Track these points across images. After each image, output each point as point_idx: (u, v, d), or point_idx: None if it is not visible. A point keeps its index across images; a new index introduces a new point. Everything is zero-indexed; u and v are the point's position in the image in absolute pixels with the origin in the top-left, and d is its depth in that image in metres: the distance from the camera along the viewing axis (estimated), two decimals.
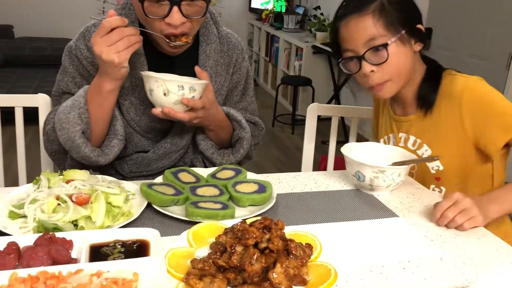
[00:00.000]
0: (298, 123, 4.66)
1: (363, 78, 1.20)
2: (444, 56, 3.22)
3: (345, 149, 1.18)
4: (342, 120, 4.07)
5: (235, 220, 0.95)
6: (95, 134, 1.22)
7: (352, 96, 4.57)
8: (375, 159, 1.19)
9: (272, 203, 1.03)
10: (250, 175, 1.16)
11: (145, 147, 1.38)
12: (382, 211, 1.08)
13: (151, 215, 1.00)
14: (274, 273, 0.75)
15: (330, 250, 0.88)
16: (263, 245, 0.79)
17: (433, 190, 1.28)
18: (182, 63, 1.33)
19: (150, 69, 1.27)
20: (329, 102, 4.65)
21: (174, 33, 1.16)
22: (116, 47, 1.06)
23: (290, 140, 4.39)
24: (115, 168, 1.40)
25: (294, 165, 3.75)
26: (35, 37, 5.44)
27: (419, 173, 1.29)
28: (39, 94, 1.44)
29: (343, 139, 3.90)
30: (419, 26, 1.18)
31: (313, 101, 4.65)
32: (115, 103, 1.21)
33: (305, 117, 4.87)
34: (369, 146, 1.25)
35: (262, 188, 1.06)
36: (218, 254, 0.80)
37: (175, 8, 1.11)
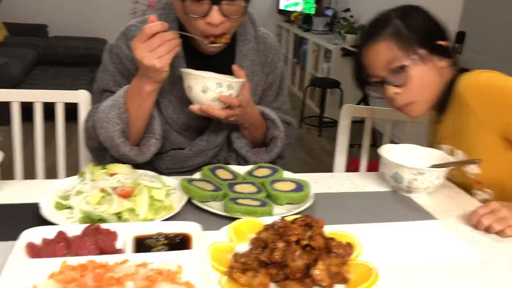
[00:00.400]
0: (326, 125, 4.64)
1: (390, 101, 1.24)
2: (477, 60, 3.16)
3: (383, 151, 1.18)
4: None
5: (274, 217, 0.96)
6: (133, 133, 1.25)
7: (382, 99, 4.52)
8: (412, 161, 1.18)
9: (310, 202, 1.04)
10: (286, 174, 1.17)
11: (182, 144, 1.40)
12: (420, 213, 1.07)
13: (190, 209, 1.02)
14: (316, 270, 0.76)
15: (369, 250, 0.88)
16: (305, 242, 0.79)
17: (475, 193, 1.26)
18: (219, 62, 1.35)
19: (188, 68, 1.29)
20: (357, 105, 4.62)
21: (214, 33, 1.18)
22: (157, 52, 1.09)
23: (317, 142, 4.37)
24: (152, 165, 1.43)
25: (321, 168, 3.74)
26: (69, 36, 5.58)
27: (457, 176, 1.28)
28: (79, 90, 1.48)
29: (371, 143, 3.87)
30: (440, 42, 1.18)
31: (341, 104, 4.63)
32: (154, 103, 1.24)
33: (332, 119, 4.84)
34: (406, 147, 1.24)
35: (300, 187, 1.07)
36: (259, 249, 0.81)
37: (215, 7, 1.13)
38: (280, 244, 0.79)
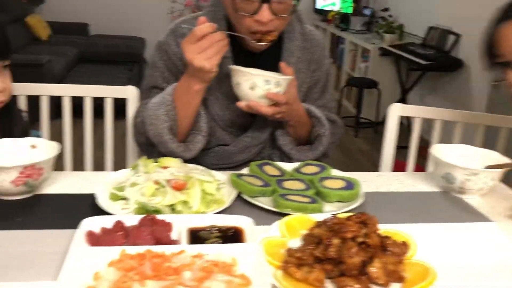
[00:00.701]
0: (362, 126, 4.59)
1: (509, 87, 1.11)
2: None
3: (435, 150, 1.15)
4: (408, 125, 3.96)
5: (324, 215, 0.95)
6: (181, 130, 1.27)
7: (420, 100, 4.44)
8: (465, 161, 1.15)
9: (361, 201, 1.03)
10: (335, 172, 1.16)
11: (226, 141, 1.41)
12: (473, 215, 1.05)
13: (240, 204, 1.03)
14: (372, 268, 0.75)
15: (424, 250, 0.86)
16: (360, 239, 0.79)
17: None
18: (266, 59, 1.35)
19: (235, 65, 1.30)
20: None
21: (262, 30, 1.19)
22: (207, 53, 1.10)
23: (353, 143, 4.32)
24: (196, 160, 1.45)
25: (358, 169, 3.69)
26: (109, 35, 5.72)
27: None
28: (128, 86, 1.52)
29: (406, 144, 3.80)
30: None
31: (378, 104, 4.57)
32: (201, 101, 1.25)
33: (369, 120, 4.76)
34: (458, 147, 1.21)
35: (350, 185, 1.06)
36: (312, 245, 0.81)
37: (265, 6, 1.14)
38: (335, 241, 0.78)
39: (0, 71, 1.08)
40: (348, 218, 0.82)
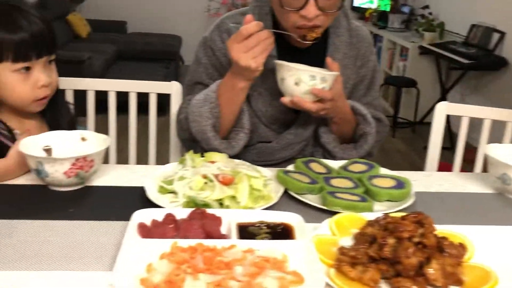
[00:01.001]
0: (400, 126, 4.49)
1: None
2: None
3: (490, 150, 1.11)
4: (448, 125, 3.85)
5: (375, 214, 0.93)
6: (224, 127, 1.27)
7: (461, 99, 4.31)
8: None
9: (412, 200, 1.00)
10: (383, 171, 1.13)
11: (269, 138, 1.40)
12: None
13: (287, 201, 1.02)
14: (430, 269, 0.72)
15: (480, 253, 0.83)
16: (416, 239, 0.76)
17: None
18: (311, 55, 1.33)
19: (280, 60, 1.29)
20: (434, 106, 4.42)
21: (307, 25, 1.17)
22: (253, 52, 1.09)
23: (391, 143, 4.24)
24: (238, 157, 1.44)
25: (395, 169, 3.61)
26: (146, 32, 5.81)
27: None
28: (172, 82, 1.53)
29: (447, 145, 3.70)
30: None
31: (417, 104, 4.46)
32: (245, 98, 1.25)
33: (407, 120, 4.66)
34: None
35: (400, 184, 1.03)
36: (366, 244, 0.79)
37: (311, 1, 1.12)
38: (391, 240, 0.76)
39: (46, 65, 1.10)
40: (404, 218, 0.79)
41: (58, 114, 1.23)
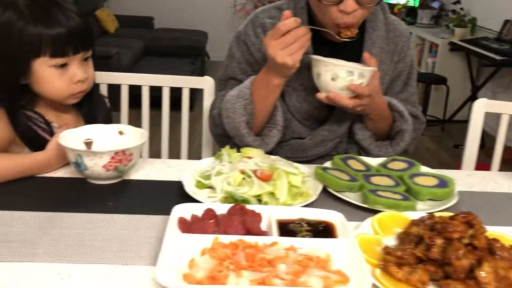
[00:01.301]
0: (429, 123, 4.39)
1: None
2: None
3: None
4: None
5: (418, 213, 0.90)
6: (257, 123, 1.26)
7: (492, 97, 4.19)
8: None
9: (456, 200, 0.97)
10: (424, 169, 1.10)
11: (302, 134, 1.38)
12: None
13: (325, 198, 1.00)
14: (482, 272, 0.69)
15: None
16: (466, 241, 0.73)
17: None
18: (346, 50, 1.31)
19: (315, 54, 1.27)
20: (464, 103, 4.33)
21: (346, 21, 1.15)
22: (290, 49, 1.07)
23: (419, 141, 4.14)
24: (270, 152, 1.43)
25: None
26: (172, 28, 5.84)
27: None
28: (205, 76, 1.52)
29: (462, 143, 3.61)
30: None
31: (446, 101, 4.36)
32: (279, 95, 1.23)
33: (436, 118, 4.55)
34: None
35: (443, 183, 1.00)
36: (412, 244, 0.77)
37: None
38: (439, 241, 0.74)
39: (82, 61, 1.10)
40: (453, 218, 0.76)
41: (94, 107, 1.24)
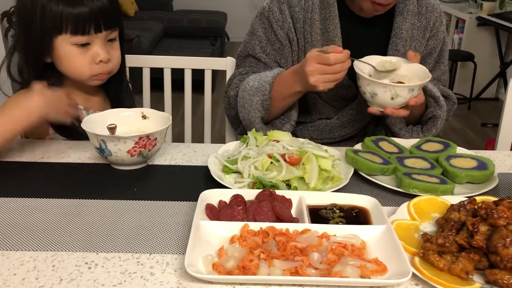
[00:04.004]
0: None
1: None
2: None
3: None
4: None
5: (457, 197, 0.85)
6: (271, 117, 1.25)
7: None
8: None
9: (496, 183, 0.92)
10: (460, 150, 1.05)
11: (329, 114, 1.34)
12: None
13: (357, 182, 0.96)
14: None
15: None
16: None
17: None
18: (376, 25, 1.25)
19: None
20: (493, 81, 4.18)
21: (383, 4, 1.10)
22: (327, 78, 1.06)
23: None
24: (295, 134, 1.39)
25: None
26: (191, 10, 5.77)
27: None
28: (228, 57, 1.48)
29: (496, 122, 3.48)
30: None
31: (474, 79, 4.22)
32: (298, 99, 1.21)
33: (462, 96, 4.41)
34: None
35: (482, 164, 0.94)
36: (453, 231, 0.72)
37: None
38: (483, 228, 0.69)
39: (106, 42, 1.08)
40: (497, 203, 0.71)
41: (121, 91, 1.22)
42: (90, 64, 1.07)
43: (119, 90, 1.20)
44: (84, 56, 1.05)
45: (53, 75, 1.10)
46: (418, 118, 1.29)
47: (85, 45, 1.05)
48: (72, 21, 1.01)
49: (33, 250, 0.73)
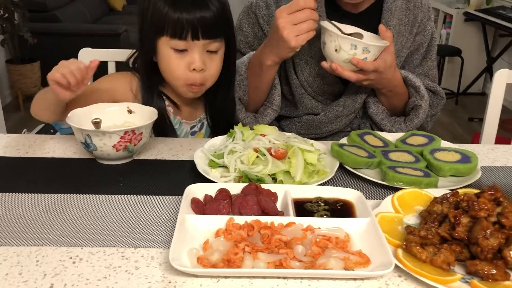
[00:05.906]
0: None
1: None
2: None
3: None
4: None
5: (440, 190, 0.87)
6: (252, 100, 1.25)
7: (508, 69, 4.08)
8: None
9: (479, 176, 0.93)
10: (444, 144, 1.06)
11: (315, 110, 1.34)
12: None
13: (342, 176, 0.96)
14: (511, 251, 0.66)
15: None
16: (493, 219, 0.70)
17: None
18: (364, 20, 1.25)
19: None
20: (479, 76, 4.22)
21: None
22: (299, 29, 1.04)
23: None
24: (282, 129, 1.40)
25: None
26: None
27: None
28: None
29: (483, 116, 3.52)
30: None
31: (461, 74, 4.26)
32: (274, 76, 1.21)
33: (450, 90, 4.45)
34: None
35: (466, 158, 0.95)
36: (435, 223, 0.73)
37: None
38: (464, 220, 0.70)
39: (205, 52, 1.07)
40: (479, 195, 0.73)
41: (219, 110, 1.22)
42: (185, 70, 1.07)
43: (223, 108, 1.21)
44: (181, 61, 1.06)
45: (161, 78, 1.13)
46: (401, 109, 1.30)
47: (182, 51, 1.05)
48: (172, 25, 1.02)
49: (16, 245, 0.72)
